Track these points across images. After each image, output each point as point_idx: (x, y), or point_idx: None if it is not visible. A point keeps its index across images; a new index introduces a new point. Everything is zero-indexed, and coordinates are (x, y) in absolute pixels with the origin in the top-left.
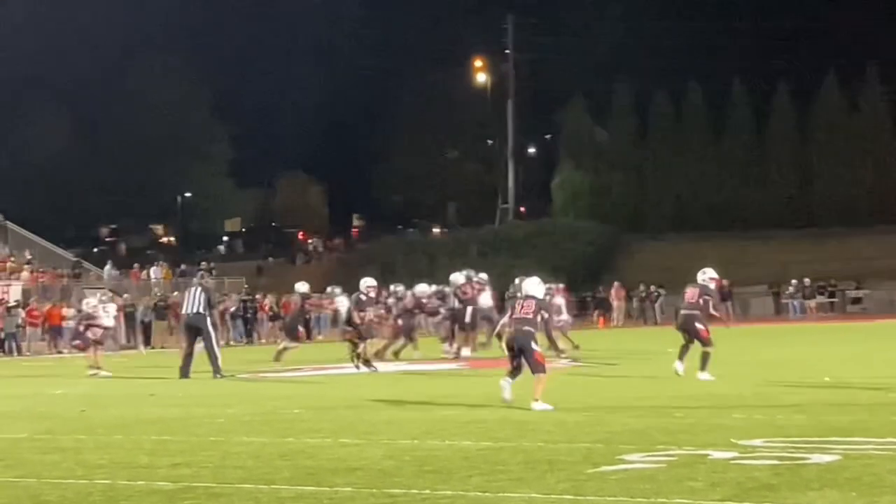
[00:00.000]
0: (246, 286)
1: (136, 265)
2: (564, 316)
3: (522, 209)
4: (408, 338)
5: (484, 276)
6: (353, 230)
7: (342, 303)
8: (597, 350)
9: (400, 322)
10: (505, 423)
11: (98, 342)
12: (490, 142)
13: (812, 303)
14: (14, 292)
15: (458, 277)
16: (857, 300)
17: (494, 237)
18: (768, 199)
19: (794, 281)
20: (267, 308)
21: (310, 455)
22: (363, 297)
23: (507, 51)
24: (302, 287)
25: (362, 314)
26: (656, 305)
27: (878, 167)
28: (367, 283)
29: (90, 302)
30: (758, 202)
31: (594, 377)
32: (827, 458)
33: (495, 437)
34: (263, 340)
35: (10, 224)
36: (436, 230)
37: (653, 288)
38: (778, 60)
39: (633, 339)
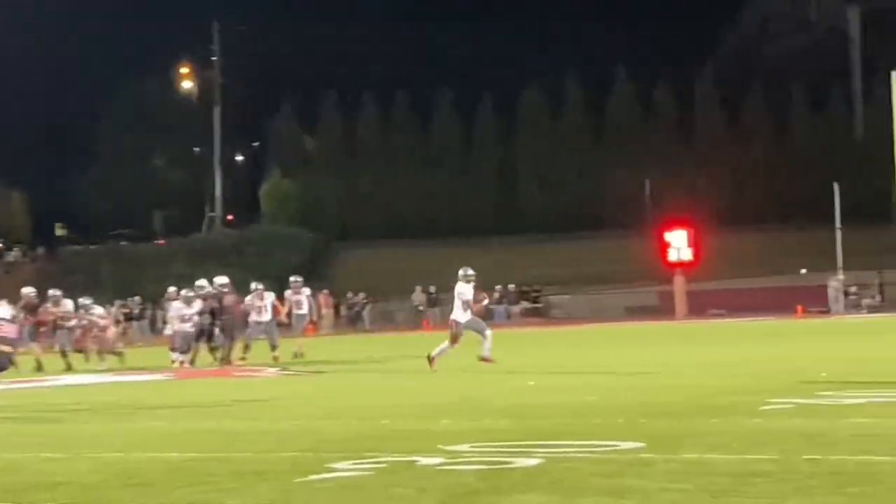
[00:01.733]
0: None
1: None
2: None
3: (230, 217)
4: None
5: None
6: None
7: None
8: (304, 358)
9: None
10: (212, 434)
11: None
12: (197, 149)
13: (517, 308)
14: None
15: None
16: (560, 306)
17: (203, 245)
18: (474, 207)
19: (498, 287)
20: None
21: (13, 471)
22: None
23: (214, 57)
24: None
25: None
26: (364, 314)
27: (581, 174)
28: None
29: None
30: (464, 210)
31: (302, 385)
32: (530, 461)
33: (202, 448)
34: None
35: None
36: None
37: (361, 296)
38: (482, 69)
39: (341, 348)
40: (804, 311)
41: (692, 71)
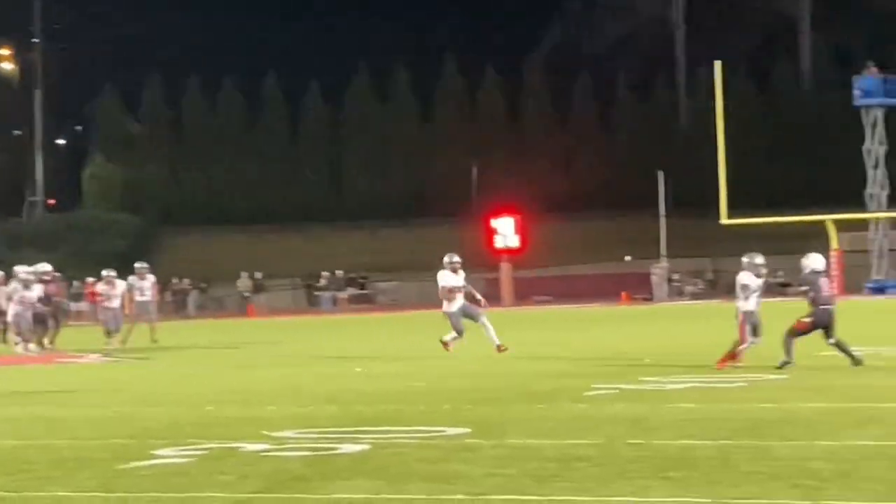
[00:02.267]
0: None
1: None
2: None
3: (52, 202)
4: None
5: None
6: None
7: None
8: (127, 345)
9: None
10: (34, 421)
11: None
12: (17, 132)
13: (344, 295)
14: None
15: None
16: (387, 292)
17: (23, 231)
18: (302, 192)
19: (325, 273)
20: None
21: None
22: None
23: (35, 39)
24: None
25: None
26: (189, 300)
27: (408, 160)
28: None
29: None
30: (290, 196)
31: (125, 372)
32: (357, 447)
33: (23, 436)
34: None
35: None
36: None
37: (186, 282)
38: (310, 55)
39: (165, 335)
40: (629, 297)
41: (520, 58)
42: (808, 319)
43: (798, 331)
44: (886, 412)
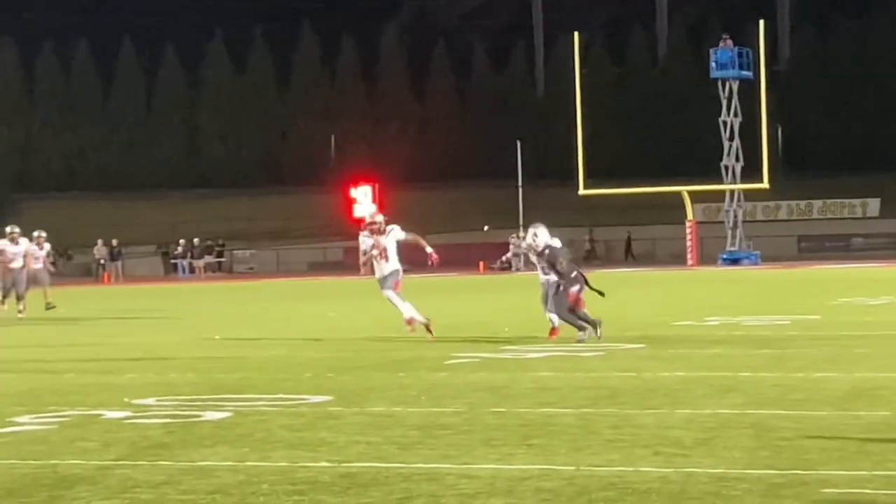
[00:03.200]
0: None
1: None
2: None
3: None
4: None
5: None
6: None
7: None
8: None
9: None
10: None
11: None
12: None
13: (201, 262)
14: None
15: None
16: (244, 260)
17: None
18: (157, 160)
19: (182, 241)
20: None
21: None
22: None
23: None
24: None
25: None
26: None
27: (264, 128)
28: None
29: None
30: (146, 163)
31: None
32: (219, 415)
33: None
34: None
35: None
36: None
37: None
38: (165, 21)
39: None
40: (486, 267)
41: (378, 27)
42: (574, 289)
43: (574, 305)
44: (744, 381)
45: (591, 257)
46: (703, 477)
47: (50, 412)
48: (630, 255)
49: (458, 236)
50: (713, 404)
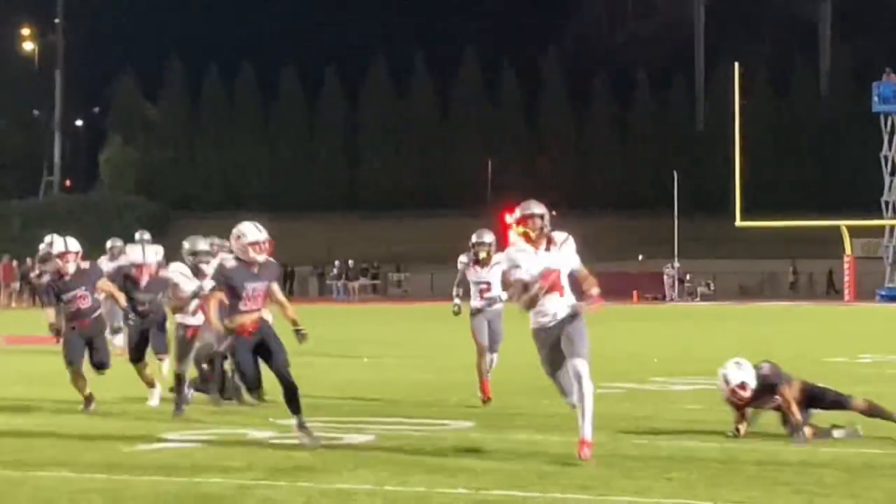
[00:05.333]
0: None
1: None
2: None
3: (68, 182)
4: None
5: None
6: None
7: None
8: None
9: None
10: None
11: None
12: (36, 112)
13: (355, 284)
14: None
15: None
16: (399, 283)
17: (39, 210)
18: (315, 181)
19: (337, 262)
20: None
21: None
22: None
23: (57, 20)
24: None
25: None
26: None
27: (425, 153)
28: None
29: None
30: (306, 184)
31: None
32: (361, 437)
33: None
34: None
35: None
36: None
37: None
38: (328, 45)
39: None
40: (640, 297)
41: (539, 56)
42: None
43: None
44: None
45: (794, 289)
46: None
47: (196, 430)
48: (832, 290)
49: (612, 265)
50: (858, 444)
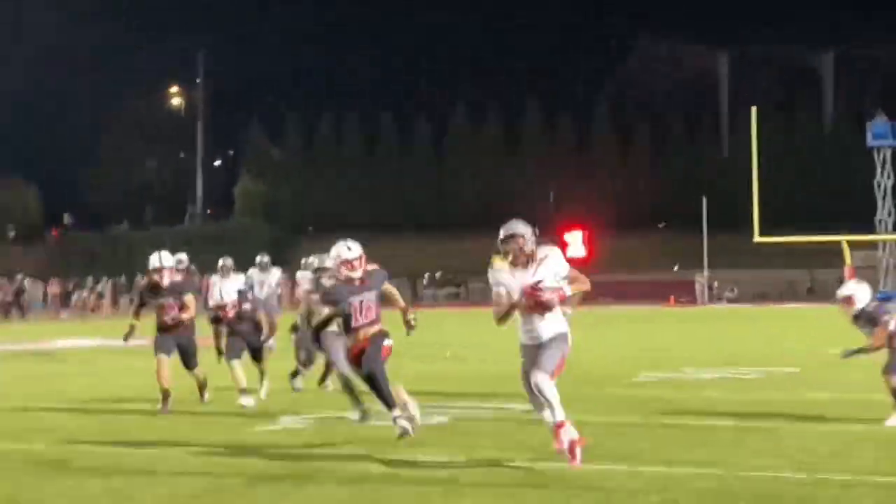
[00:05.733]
0: None
1: None
2: None
3: (210, 212)
4: None
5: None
6: (61, 226)
7: None
8: None
9: None
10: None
11: None
12: (182, 154)
13: (442, 292)
14: None
15: None
16: (480, 292)
17: (185, 235)
18: (409, 204)
19: (426, 274)
20: None
21: None
22: None
23: (198, 80)
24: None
25: None
26: None
27: (492, 180)
28: None
29: None
30: (401, 207)
31: None
32: (439, 419)
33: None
34: None
35: None
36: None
37: None
38: (419, 94)
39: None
40: (675, 301)
41: (591, 100)
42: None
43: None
44: (878, 402)
45: (811, 293)
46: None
47: (307, 414)
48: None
49: (652, 274)
50: (852, 420)
